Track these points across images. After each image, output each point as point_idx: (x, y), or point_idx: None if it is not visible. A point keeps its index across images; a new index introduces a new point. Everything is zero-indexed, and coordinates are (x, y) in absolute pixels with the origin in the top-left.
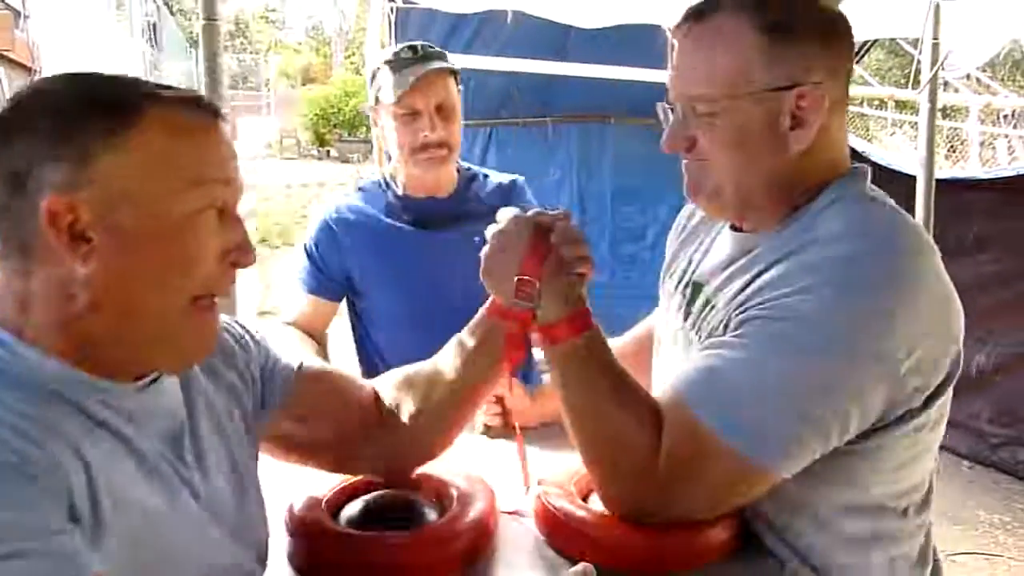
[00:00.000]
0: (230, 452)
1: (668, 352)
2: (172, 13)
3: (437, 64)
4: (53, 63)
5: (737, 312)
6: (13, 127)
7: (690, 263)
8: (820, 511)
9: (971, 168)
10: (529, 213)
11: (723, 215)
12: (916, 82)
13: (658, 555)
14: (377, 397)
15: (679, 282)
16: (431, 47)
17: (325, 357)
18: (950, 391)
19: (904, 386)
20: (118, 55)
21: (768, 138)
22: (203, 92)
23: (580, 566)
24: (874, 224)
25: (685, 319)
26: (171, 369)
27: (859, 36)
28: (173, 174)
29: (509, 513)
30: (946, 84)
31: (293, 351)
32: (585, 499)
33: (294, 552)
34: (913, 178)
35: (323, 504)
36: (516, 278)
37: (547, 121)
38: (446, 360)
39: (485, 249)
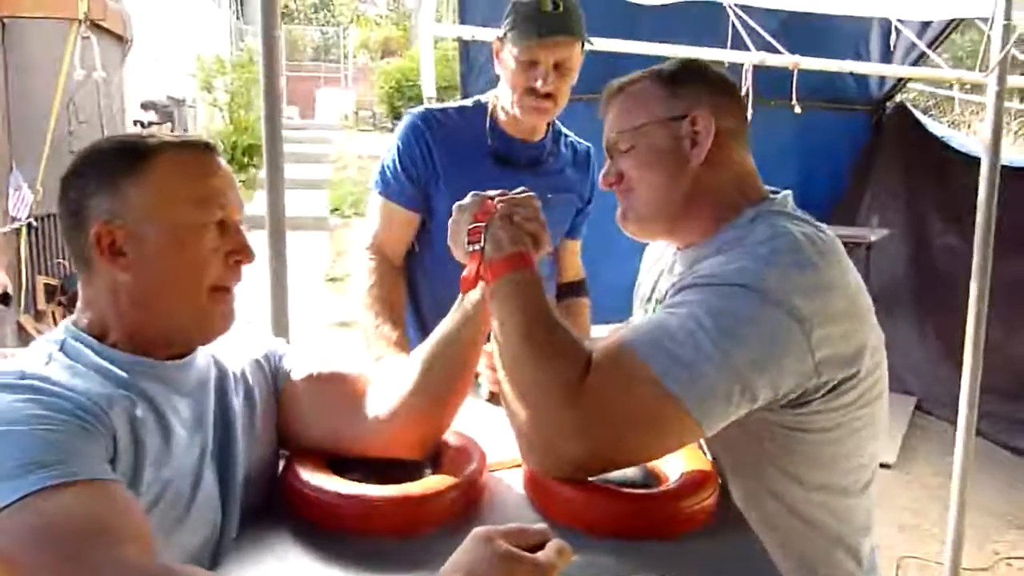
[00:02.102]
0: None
1: None
2: None
3: (569, 36)
4: (145, 34)
5: (676, 288)
6: (75, 177)
7: (653, 284)
8: (778, 490)
9: None
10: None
11: (652, 235)
12: (985, 65)
13: (638, 522)
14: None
15: (646, 301)
16: (574, 5)
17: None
18: (879, 375)
19: (813, 350)
20: (206, 26)
21: (675, 156)
22: (262, 64)
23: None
24: (798, 228)
25: None
26: (201, 343)
27: (931, 17)
28: (179, 199)
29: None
30: None
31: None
32: None
33: (286, 501)
34: None
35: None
36: (468, 228)
37: None
38: (435, 338)
39: (450, 222)
